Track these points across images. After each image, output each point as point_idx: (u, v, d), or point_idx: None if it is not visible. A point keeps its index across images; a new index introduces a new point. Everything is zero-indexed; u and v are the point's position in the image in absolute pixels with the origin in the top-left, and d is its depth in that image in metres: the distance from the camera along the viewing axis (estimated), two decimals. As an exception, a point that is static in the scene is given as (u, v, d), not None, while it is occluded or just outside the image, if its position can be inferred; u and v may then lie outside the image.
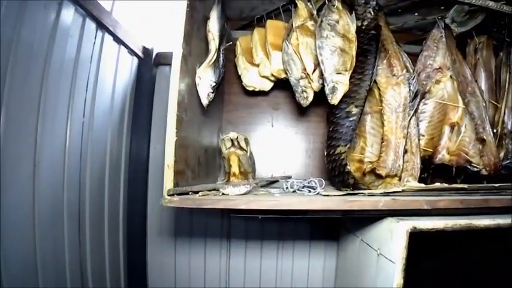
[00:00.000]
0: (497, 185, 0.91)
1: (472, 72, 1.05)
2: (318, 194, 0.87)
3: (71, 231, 1.03)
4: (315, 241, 1.30)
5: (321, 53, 0.92)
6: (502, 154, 1.05)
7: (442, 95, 1.07)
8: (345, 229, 1.18)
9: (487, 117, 1.00)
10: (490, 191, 0.91)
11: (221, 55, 0.94)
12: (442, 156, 1.02)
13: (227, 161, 1.06)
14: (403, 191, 0.84)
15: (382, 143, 0.99)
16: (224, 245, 1.30)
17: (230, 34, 1.22)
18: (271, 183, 1.07)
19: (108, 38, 1.19)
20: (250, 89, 1.13)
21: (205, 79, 0.91)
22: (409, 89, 1.00)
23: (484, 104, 1.01)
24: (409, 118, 1.00)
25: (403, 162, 1.00)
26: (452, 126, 1.04)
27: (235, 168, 1.05)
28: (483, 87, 1.10)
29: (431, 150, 1.05)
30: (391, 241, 0.80)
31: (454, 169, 1.01)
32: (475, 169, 1.00)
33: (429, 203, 0.77)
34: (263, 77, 1.09)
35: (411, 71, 1.06)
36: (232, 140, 1.08)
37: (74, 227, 1.05)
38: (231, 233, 1.29)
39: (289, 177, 1.14)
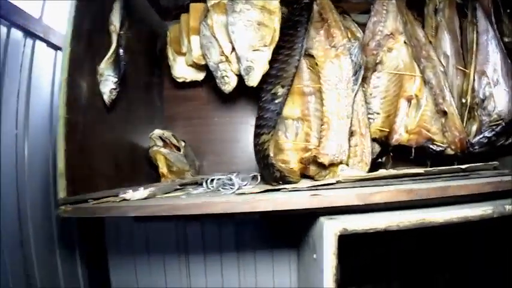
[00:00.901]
0: (464, 166, 0.67)
1: (427, 33, 0.80)
2: (233, 192, 0.65)
3: (13, 261, 0.84)
4: (277, 250, 1.06)
5: (233, 30, 0.71)
6: (474, 128, 0.79)
7: (397, 64, 0.82)
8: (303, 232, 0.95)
9: (447, 84, 0.76)
10: (456, 174, 0.66)
11: (120, 47, 0.75)
12: (399, 136, 0.78)
13: (154, 161, 0.87)
14: (337, 182, 0.62)
15: (321, 125, 0.76)
16: (183, 262, 1.08)
17: (163, 25, 1.03)
18: (196, 183, 0.86)
19: (40, 45, 1.03)
20: (180, 80, 0.93)
21: (107, 75, 0.74)
22: (352, 60, 0.77)
23: (441, 69, 0.76)
24: (354, 94, 0.77)
25: (350, 146, 0.77)
26: (409, 100, 0.79)
27: (162, 168, 0.86)
28: (448, 52, 0.85)
29: (388, 129, 0.82)
30: (320, 245, 0.57)
31: (413, 150, 0.77)
32: (439, 148, 0.75)
33: (361, 197, 0.54)
34: (190, 65, 0.89)
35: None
36: (161, 138, 0.89)
37: (17, 258, 0.87)
38: (188, 246, 1.08)
39: (233, 174, 0.93)
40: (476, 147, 0.77)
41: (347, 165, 0.77)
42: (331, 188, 0.61)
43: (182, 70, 0.91)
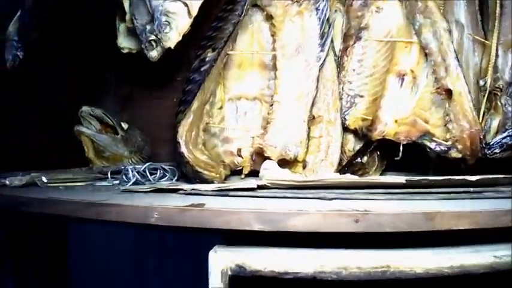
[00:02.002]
0: (474, 177, 0.38)
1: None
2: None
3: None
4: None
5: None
6: (495, 122, 0.49)
7: (388, 30, 0.54)
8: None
9: (452, 48, 0.46)
10: (460, 190, 0.38)
11: (26, 11, 0.56)
12: (384, 126, 0.50)
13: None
14: (259, 187, 0.36)
15: (270, 105, 0.51)
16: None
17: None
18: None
19: None
20: (125, 51, 0.70)
21: (12, 40, 0.57)
22: (319, 19, 0.50)
23: (445, 26, 0.46)
24: (320, 64, 0.50)
25: (312, 137, 0.51)
26: (402, 77, 0.51)
27: (88, 153, 0.65)
28: (462, 19, 0.54)
29: (371, 118, 0.54)
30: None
31: (401, 147, 0.48)
32: (439, 148, 0.46)
33: (265, 219, 0.28)
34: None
35: None
36: (96, 117, 0.68)
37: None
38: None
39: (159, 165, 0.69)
40: (497, 150, 0.47)
41: (304, 162, 0.51)
42: (247, 196, 0.36)
43: (126, 39, 0.69)
